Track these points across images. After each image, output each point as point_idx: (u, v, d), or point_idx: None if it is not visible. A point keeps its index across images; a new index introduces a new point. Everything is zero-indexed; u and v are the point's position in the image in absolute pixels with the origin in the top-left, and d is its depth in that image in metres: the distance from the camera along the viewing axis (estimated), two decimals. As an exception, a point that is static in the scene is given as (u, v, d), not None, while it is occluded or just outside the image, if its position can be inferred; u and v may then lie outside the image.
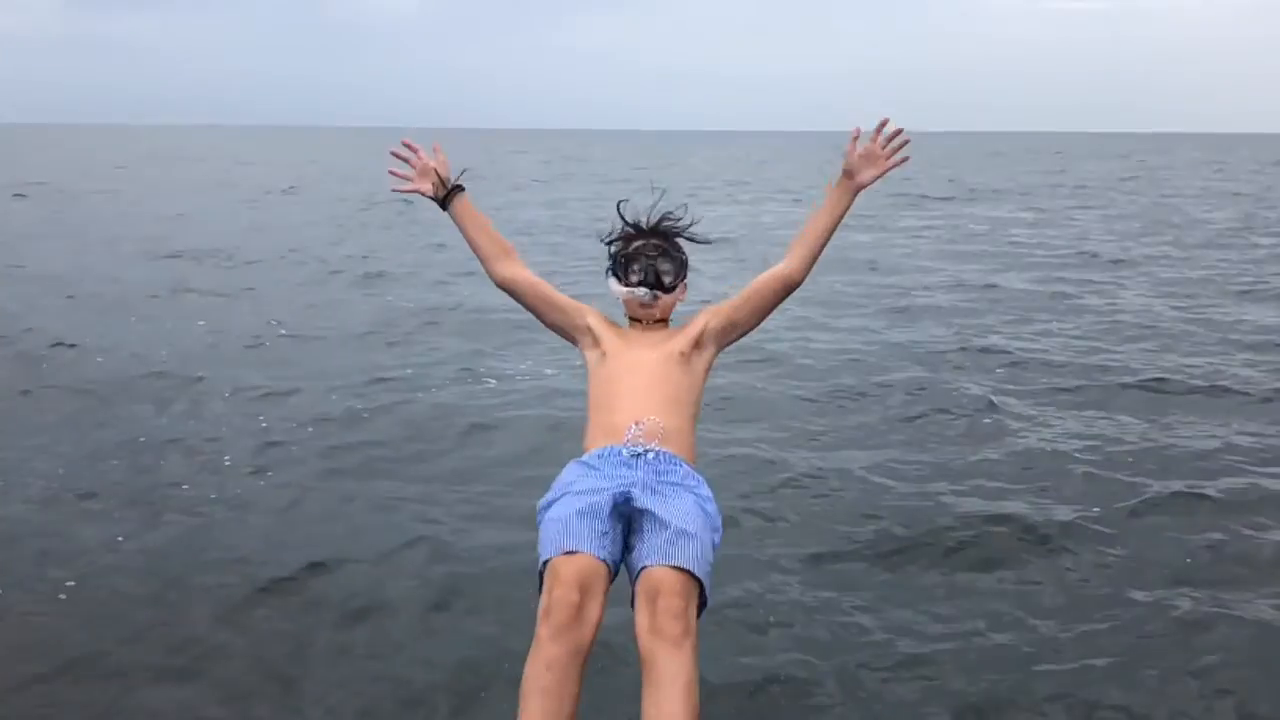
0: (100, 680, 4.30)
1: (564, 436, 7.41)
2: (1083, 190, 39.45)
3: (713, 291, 14.92)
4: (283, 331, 11.69)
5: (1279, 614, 4.88)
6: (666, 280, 3.06)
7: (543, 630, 2.29)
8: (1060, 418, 8.32)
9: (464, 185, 3.20)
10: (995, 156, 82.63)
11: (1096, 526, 5.98)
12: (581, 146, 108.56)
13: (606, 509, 2.50)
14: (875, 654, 4.41)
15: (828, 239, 3.16)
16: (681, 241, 3.22)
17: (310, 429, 7.88)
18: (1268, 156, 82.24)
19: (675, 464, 2.68)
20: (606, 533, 2.47)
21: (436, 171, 3.18)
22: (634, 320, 3.11)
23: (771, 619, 4.81)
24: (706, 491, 2.66)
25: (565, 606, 2.29)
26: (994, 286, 15.22)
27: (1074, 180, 46.43)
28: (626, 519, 2.53)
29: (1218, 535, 5.84)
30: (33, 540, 5.69)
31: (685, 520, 2.49)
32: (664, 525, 2.47)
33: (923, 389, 9.19)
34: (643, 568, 2.42)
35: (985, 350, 10.81)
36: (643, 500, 2.53)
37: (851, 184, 3.17)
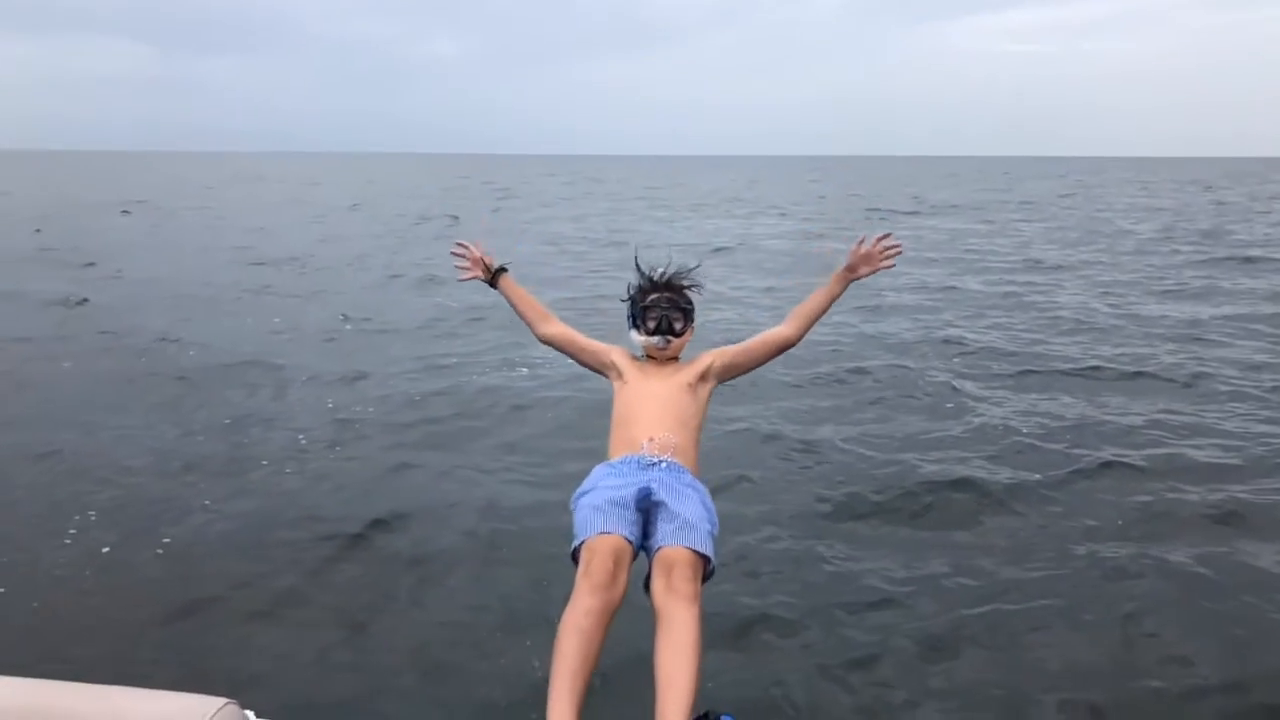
0: (193, 623, 4.32)
1: (587, 416, 7.46)
2: (1027, 206, 39.22)
3: (714, 291, 14.93)
4: (348, 327, 11.73)
5: (1196, 565, 4.87)
6: (677, 327, 3.18)
7: (583, 586, 2.37)
8: (1010, 398, 8.29)
9: (506, 267, 3.35)
10: (951, 177, 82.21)
11: (1041, 490, 5.98)
12: (599, 169, 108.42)
13: (632, 500, 2.60)
14: (850, 595, 4.41)
15: (823, 314, 3.30)
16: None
17: (372, 409, 7.91)
18: (1185, 177, 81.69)
19: (682, 472, 2.77)
20: (633, 521, 2.57)
21: (482, 260, 3.33)
22: (650, 357, 3.21)
23: (763, 566, 4.82)
24: (706, 494, 2.75)
25: (603, 571, 2.40)
26: (953, 288, 15.16)
27: (1020, 197, 46.18)
28: (644, 512, 2.62)
29: (1144, 498, 5.83)
30: (136, 505, 5.72)
31: (691, 514, 2.60)
32: (675, 516, 2.58)
33: (893, 374, 9.17)
34: (659, 548, 2.52)
35: (946, 341, 10.77)
36: (660, 494, 2.63)
37: (849, 275, 3.27)
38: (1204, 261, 18.40)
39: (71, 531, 5.27)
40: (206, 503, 5.76)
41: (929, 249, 21.66)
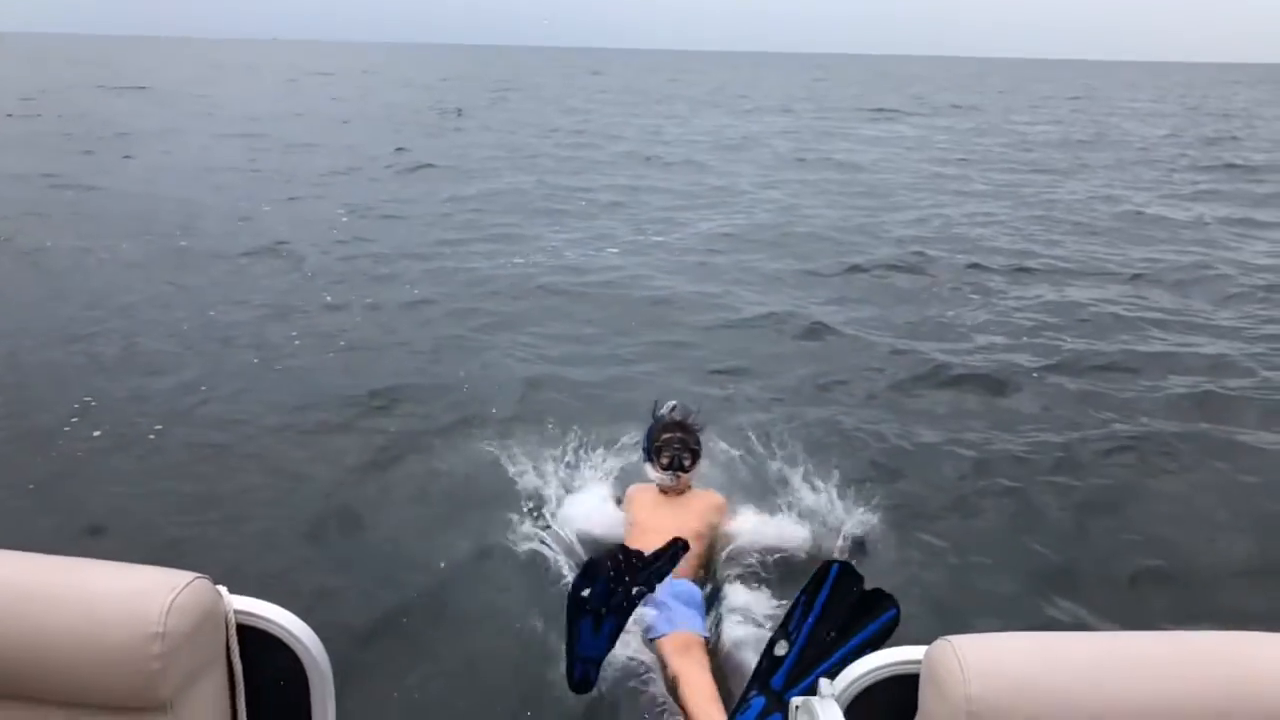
0: (178, 506, 4.25)
1: (583, 301, 7.64)
2: (1036, 108, 38.58)
3: (718, 185, 14.84)
4: (344, 219, 11.47)
5: (1192, 451, 4.99)
6: (686, 464, 3.69)
7: None
8: (1013, 290, 8.35)
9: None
10: (956, 77, 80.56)
11: (1048, 375, 6.11)
12: (597, 62, 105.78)
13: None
14: (864, 459, 4.49)
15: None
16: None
17: (369, 299, 7.80)
18: (1196, 80, 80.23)
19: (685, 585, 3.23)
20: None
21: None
22: (662, 489, 3.70)
23: (784, 435, 4.82)
24: (700, 595, 3.24)
25: None
26: (961, 192, 14.90)
27: (1028, 99, 45.39)
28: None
29: (1139, 387, 5.94)
30: (138, 390, 5.62)
31: (696, 610, 3.13)
32: (680, 609, 3.09)
33: (897, 266, 9.22)
34: (673, 630, 3.01)
35: (950, 235, 10.79)
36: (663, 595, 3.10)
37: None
38: (1209, 167, 18.26)
39: (73, 420, 5.16)
40: (204, 388, 5.67)
41: (933, 147, 21.45)
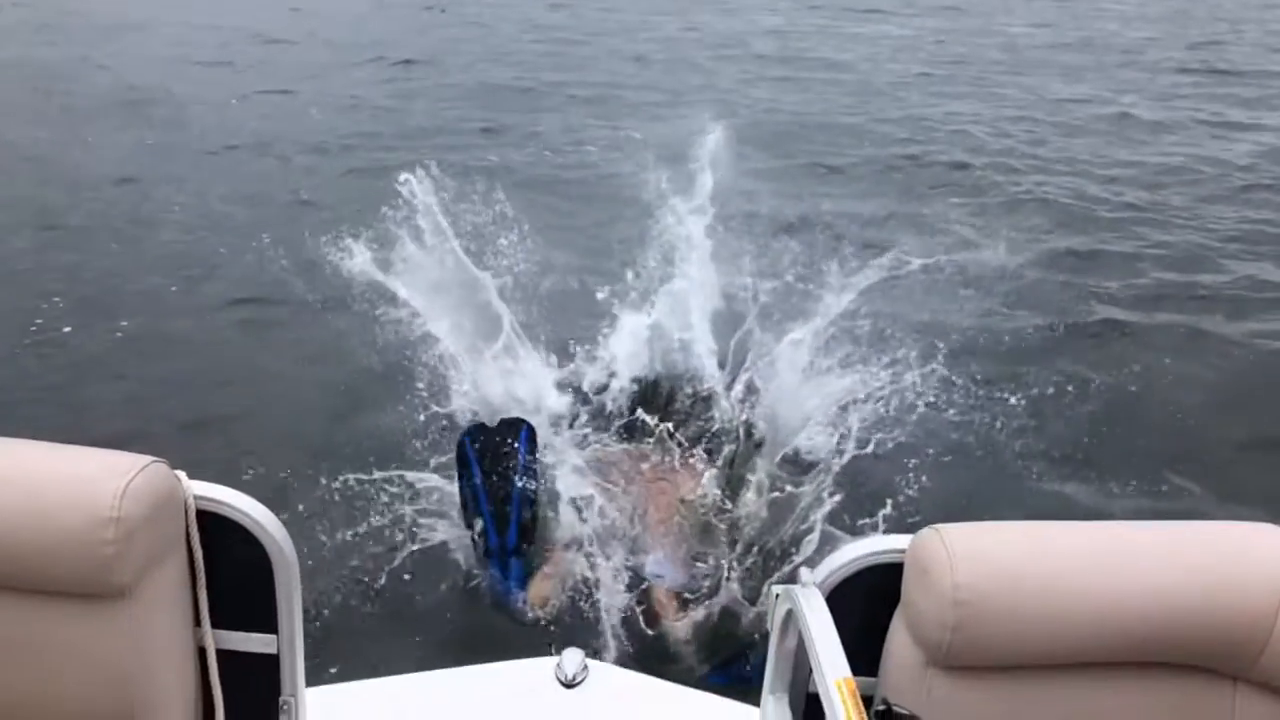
0: (141, 398, 4.23)
1: (558, 196, 7.80)
2: (1023, 9, 37.54)
3: (704, 83, 14.47)
4: (321, 114, 11.03)
5: (1165, 339, 5.02)
6: (667, 443, 3.73)
7: None
8: (995, 188, 8.27)
9: None
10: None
11: (1027, 270, 6.09)
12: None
13: None
14: (839, 355, 4.41)
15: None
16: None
17: (345, 196, 7.48)
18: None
19: None
20: None
21: None
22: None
23: (757, 331, 4.73)
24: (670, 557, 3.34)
25: None
26: (948, 93, 14.49)
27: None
28: None
29: (1118, 283, 5.95)
30: (95, 287, 5.49)
31: (678, 568, 3.26)
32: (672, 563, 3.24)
33: (882, 164, 9.14)
34: (658, 585, 3.18)
35: (935, 135, 10.61)
36: None
37: None
38: (1194, 70, 17.89)
39: (39, 321, 5.04)
40: (175, 289, 5.56)
41: (922, 49, 20.91)
